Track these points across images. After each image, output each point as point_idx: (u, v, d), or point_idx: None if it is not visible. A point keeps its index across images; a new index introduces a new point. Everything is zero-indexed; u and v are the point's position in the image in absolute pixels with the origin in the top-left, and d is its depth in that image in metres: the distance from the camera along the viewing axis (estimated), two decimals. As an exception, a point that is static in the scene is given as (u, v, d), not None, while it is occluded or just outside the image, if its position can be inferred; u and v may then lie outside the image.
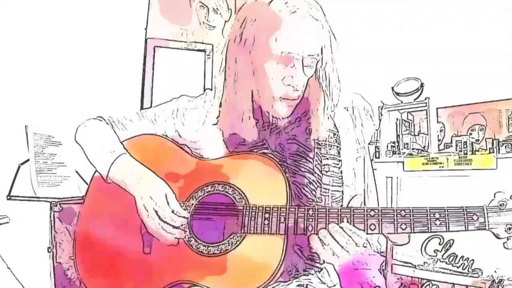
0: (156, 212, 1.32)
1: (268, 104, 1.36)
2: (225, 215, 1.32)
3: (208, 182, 1.35)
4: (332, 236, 1.25)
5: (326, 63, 1.36)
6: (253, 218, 1.29)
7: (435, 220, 1.24)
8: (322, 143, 1.41)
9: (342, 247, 1.24)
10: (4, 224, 1.92)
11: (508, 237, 1.22)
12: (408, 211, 1.25)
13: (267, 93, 1.34)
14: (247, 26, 1.35)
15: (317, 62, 1.35)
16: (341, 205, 1.40)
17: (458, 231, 1.23)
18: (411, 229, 1.25)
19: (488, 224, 1.22)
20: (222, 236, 1.31)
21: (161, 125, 1.46)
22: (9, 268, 1.91)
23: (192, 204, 1.35)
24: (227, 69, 1.40)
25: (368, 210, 1.27)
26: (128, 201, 1.36)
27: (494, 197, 1.24)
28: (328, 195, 1.38)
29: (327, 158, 1.40)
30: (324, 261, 1.36)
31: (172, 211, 1.33)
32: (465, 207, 1.24)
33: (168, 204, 1.33)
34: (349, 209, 1.28)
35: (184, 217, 1.33)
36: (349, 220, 1.26)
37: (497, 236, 1.23)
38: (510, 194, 1.23)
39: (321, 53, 1.34)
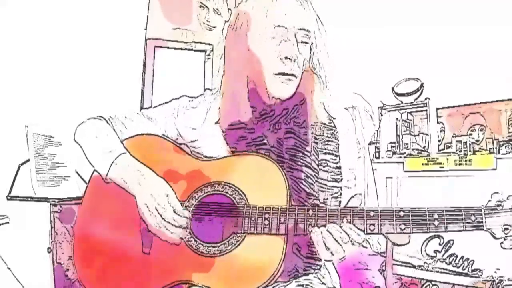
0: (158, 211, 1.33)
1: (268, 83, 1.38)
2: (225, 215, 1.32)
3: (207, 183, 1.36)
4: (331, 234, 1.26)
5: (316, 49, 1.41)
6: (253, 219, 1.29)
7: (434, 221, 1.25)
8: (319, 138, 1.42)
9: (340, 245, 1.25)
10: (4, 224, 1.92)
11: (505, 237, 1.22)
12: (407, 211, 1.26)
13: (265, 71, 1.37)
14: (241, 14, 1.42)
15: (311, 46, 1.39)
16: (340, 202, 1.41)
17: (456, 231, 1.24)
18: (410, 229, 1.26)
19: (486, 225, 1.23)
20: (222, 237, 1.31)
21: (162, 125, 1.46)
22: (9, 268, 1.91)
23: (192, 204, 1.35)
24: (226, 61, 1.44)
25: (368, 211, 1.28)
26: (127, 201, 1.36)
27: (491, 198, 1.25)
28: (326, 191, 1.39)
29: (324, 153, 1.41)
30: (322, 259, 1.37)
31: (174, 211, 1.33)
32: (463, 208, 1.24)
33: (169, 203, 1.33)
34: (348, 209, 1.29)
35: (185, 217, 1.33)
36: (349, 220, 1.27)
37: (494, 236, 1.23)
38: (507, 195, 1.24)
39: (313, 34, 1.39)
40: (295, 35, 1.36)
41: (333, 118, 1.46)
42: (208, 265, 1.29)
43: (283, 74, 1.36)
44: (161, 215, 1.32)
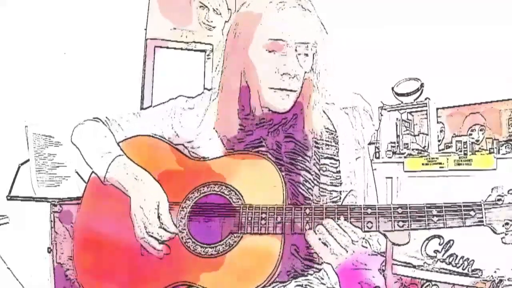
0: (144, 223, 1.32)
1: (264, 96, 1.36)
2: (221, 215, 1.32)
3: (204, 183, 1.35)
4: (329, 233, 1.25)
5: (317, 59, 1.39)
6: (250, 219, 1.29)
7: (433, 217, 1.23)
8: (319, 142, 1.41)
9: (339, 244, 1.24)
10: (4, 224, 1.92)
11: (506, 232, 1.21)
12: (405, 208, 1.25)
13: (262, 84, 1.35)
14: (240, 23, 1.38)
15: (312, 56, 1.37)
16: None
17: (455, 227, 1.23)
18: (408, 226, 1.24)
19: (486, 220, 1.22)
20: (219, 237, 1.31)
21: (159, 125, 1.46)
22: (9, 268, 1.91)
23: (188, 205, 1.35)
24: (224, 69, 1.42)
25: (365, 208, 1.27)
26: (125, 203, 1.36)
27: (491, 192, 1.23)
28: (326, 195, 1.39)
29: (325, 158, 1.40)
30: (322, 262, 1.36)
31: (161, 225, 1.32)
32: (463, 203, 1.23)
33: (159, 216, 1.32)
34: (346, 207, 1.28)
35: (172, 233, 1.33)
36: (346, 218, 1.26)
37: (494, 232, 1.22)
38: (508, 189, 1.23)
39: (315, 45, 1.36)
40: (295, 49, 1.33)
41: (332, 121, 1.45)
42: (206, 266, 1.29)
43: (281, 89, 1.34)
44: (146, 228, 1.32)
